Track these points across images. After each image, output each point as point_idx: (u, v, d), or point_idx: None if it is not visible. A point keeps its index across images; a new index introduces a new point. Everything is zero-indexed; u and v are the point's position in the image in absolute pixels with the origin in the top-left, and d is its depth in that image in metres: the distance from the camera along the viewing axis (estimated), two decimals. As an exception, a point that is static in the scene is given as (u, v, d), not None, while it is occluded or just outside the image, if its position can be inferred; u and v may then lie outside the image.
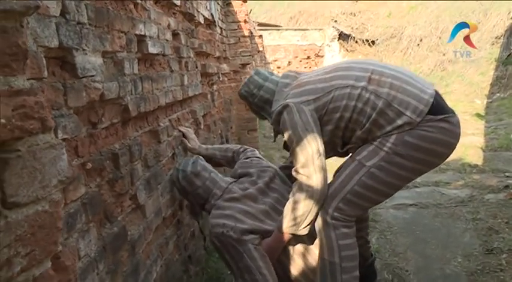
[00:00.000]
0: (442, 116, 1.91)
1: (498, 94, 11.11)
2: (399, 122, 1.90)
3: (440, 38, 13.68)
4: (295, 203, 1.98)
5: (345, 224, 2.02)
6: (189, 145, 2.56)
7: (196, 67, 3.09)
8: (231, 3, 5.36)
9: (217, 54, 4.16)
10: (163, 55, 2.23)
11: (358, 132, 1.99)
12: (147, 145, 1.95)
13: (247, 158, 2.49)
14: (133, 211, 1.74)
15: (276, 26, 16.45)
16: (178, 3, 2.59)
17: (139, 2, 1.93)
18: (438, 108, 1.93)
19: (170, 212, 2.22)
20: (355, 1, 16.87)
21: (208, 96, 3.58)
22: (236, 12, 5.42)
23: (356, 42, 15.19)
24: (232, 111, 5.37)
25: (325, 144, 2.02)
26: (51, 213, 0.81)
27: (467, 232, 3.27)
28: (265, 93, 2.23)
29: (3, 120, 0.69)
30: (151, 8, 2.12)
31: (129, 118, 1.72)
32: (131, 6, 1.86)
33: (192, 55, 2.95)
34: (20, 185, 0.74)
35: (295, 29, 16.00)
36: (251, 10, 6.55)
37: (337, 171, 2.17)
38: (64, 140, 1.20)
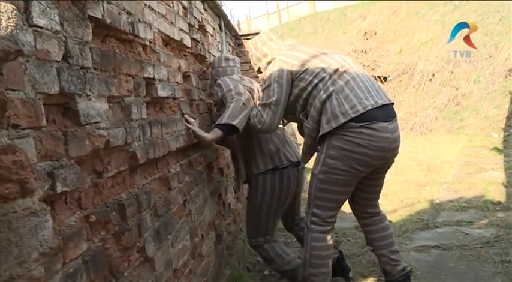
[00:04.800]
0: (363, 123, 2.29)
1: (515, 127, 10.90)
2: (337, 111, 2.31)
3: (452, 72, 13.62)
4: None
5: (320, 228, 2.54)
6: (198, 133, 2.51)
7: (209, 109, 3.02)
8: (242, 43, 5.38)
9: (229, 94, 4.10)
10: (174, 98, 2.16)
11: (311, 110, 2.45)
12: (156, 193, 1.84)
13: None
14: (141, 265, 1.62)
15: (287, 64, 16.55)
16: (189, 44, 2.55)
17: (148, 44, 1.88)
18: (369, 117, 2.30)
19: (182, 263, 2.09)
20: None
21: (221, 137, 3.49)
22: (248, 53, 5.42)
23: (368, 79, 15.16)
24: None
25: (290, 104, 2.57)
26: (32, 292, 0.69)
27: (497, 276, 3.05)
28: (266, 49, 2.77)
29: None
30: (161, 51, 2.07)
31: (137, 165, 1.63)
32: (140, 48, 1.81)
33: (203, 97, 2.89)
34: (-10, 262, 0.62)
35: (306, 67, 16.07)
36: (262, 50, 6.55)
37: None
38: (64, 192, 1.11)
